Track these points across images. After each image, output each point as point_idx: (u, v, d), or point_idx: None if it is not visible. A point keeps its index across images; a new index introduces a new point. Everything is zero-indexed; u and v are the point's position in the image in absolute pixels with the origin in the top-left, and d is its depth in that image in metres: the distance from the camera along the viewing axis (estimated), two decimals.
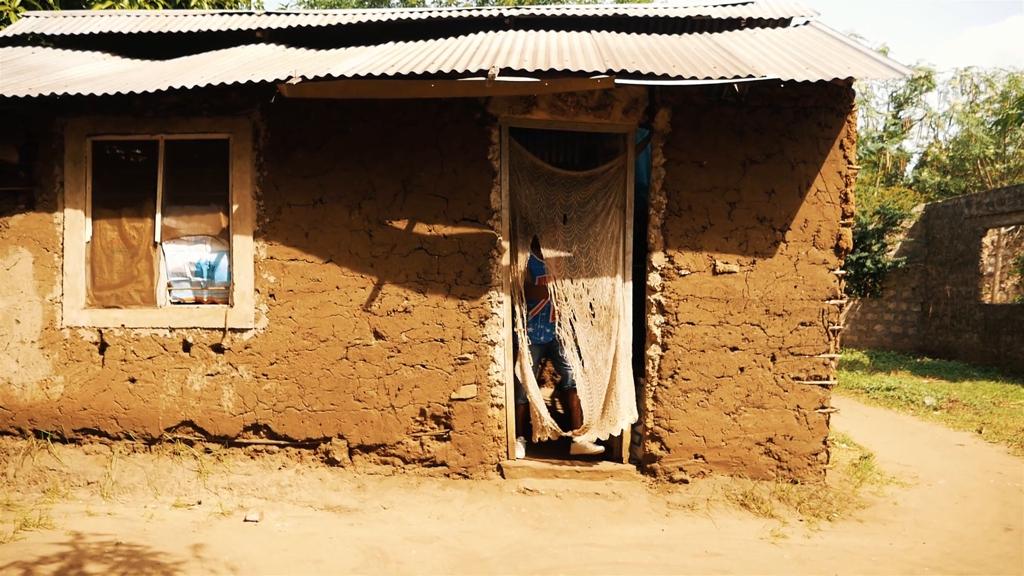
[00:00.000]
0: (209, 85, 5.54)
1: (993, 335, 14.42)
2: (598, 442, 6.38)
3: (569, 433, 6.23)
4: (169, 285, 6.24)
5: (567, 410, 6.66)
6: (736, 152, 6.00)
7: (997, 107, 22.05)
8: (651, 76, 5.32)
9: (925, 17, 56.91)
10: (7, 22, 9.61)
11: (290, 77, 5.35)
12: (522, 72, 5.33)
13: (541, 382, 8.65)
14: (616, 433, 6.17)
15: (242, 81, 5.49)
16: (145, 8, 10.31)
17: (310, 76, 5.34)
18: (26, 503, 5.56)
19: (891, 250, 17.39)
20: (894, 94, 25.59)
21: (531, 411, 6.20)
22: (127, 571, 4.37)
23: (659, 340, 6.02)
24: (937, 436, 8.59)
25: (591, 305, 6.35)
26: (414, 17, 7.37)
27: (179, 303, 6.26)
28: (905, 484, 6.46)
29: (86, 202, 6.18)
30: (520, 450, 6.37)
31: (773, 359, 5.98)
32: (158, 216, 6.18)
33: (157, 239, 6.18)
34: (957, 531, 5.44)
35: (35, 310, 6.17)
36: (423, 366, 6.03)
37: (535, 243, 6.23)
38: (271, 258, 6.10)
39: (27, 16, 8.38)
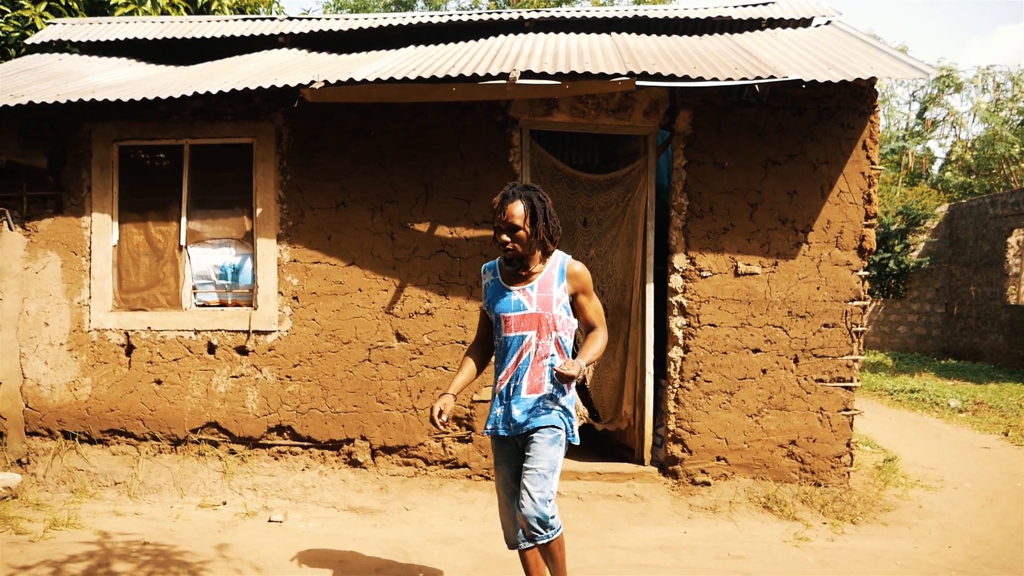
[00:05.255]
0: (233, 90, 5.60)
1: (1019, 336, 14.24)
2: (624, 447, 6.40)
3: (592, 420, 6.28)
4: (194, 288, 6.31)
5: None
6: (758, 153, 5.98)
7: (1022, 105, 21.79)
8: (672, 78, 5.33)
9: (953, 16, 56.30)
10: (33, 27, 9.74)
11: (313, 82, 5.40)
12: (543, 75, 5.35)
13: None
14: (623, 427, 6.22)
15: (266, 86, 5.55)
16: (168, 12, 10.42)
17: (332, 80, 5.39)
18: (55, 503, 5.64)
19: (914, 251, 17.23)
20: (916, 94, 25.40)
21: None
22: (154, 570, 4.43)
23: (681, 342, 6.01)
24: (962, 439, 8.51)
25: (605, 307, 6.37)
26: (434, 21, 7.41)
27: (204, 305, 6.32)
28: (930, 487, 6.41)
29: (113, 206, 6.27)
30: None
31: (796, 361, 5.96)
32: (183, 220, 6.26)
33: (182, 242, 6.25)
34: (983, 535, 5.39)
35: (63, 313, 6.26)
36: (445, 368, 6.06)
37: (501, 264, 3.69)
38: (294, 261, 6.15)
39: (53, 23, 8.50)
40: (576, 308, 3.63)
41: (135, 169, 6.43)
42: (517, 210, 3.45)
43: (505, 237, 3.49)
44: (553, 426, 3.47)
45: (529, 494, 3.39)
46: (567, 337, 3.61)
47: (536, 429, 3.46)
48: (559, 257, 3.61)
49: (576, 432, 3.57)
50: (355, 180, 6.13)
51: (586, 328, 3.66)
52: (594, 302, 3.65)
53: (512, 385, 3.56)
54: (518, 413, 3.51)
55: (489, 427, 3.63)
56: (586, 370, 3.37)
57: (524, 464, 3.48)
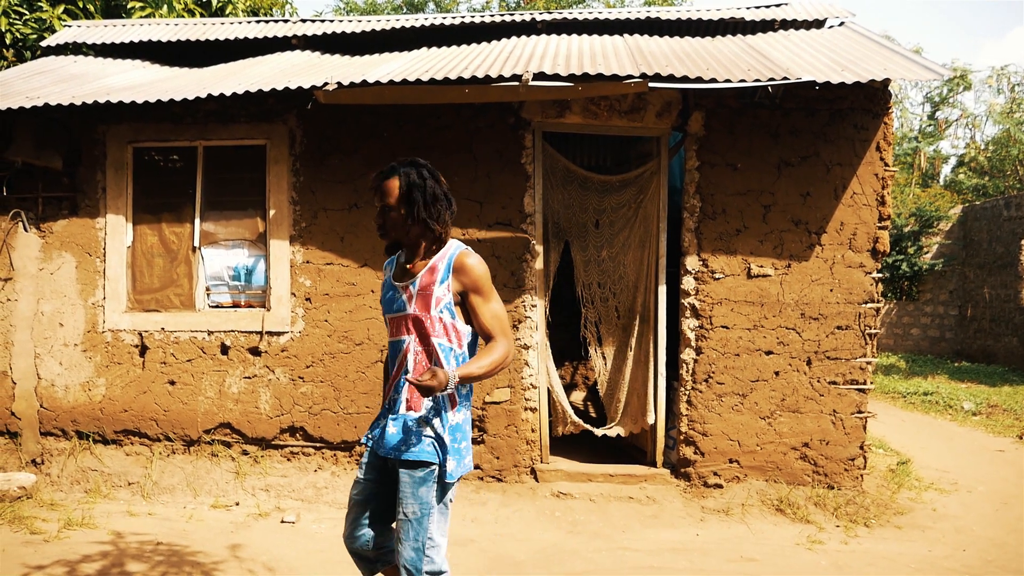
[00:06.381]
0: (247, 92, 5.63)
1: None
2: (636, 448, 6.39)
3: (590, 427, 6.26)
4: (207, 289, 6.34)
5: None
6: (770, 155, 5.97)
7: None
8: (685, 79, 5.32)
9: (967, 17, 55.89)
10: (50, 29, 9.82)
11: (326, 83, 5.42)
12: (555, 76, 5.35)
13: (573, 386, 8.68)
14: (636, 431, 6.21)
15: (279, 88, 5.57)
16: (183, 16, 10.48)
17: (346, 82, 5.40)
18: (69, 503, 5.67)
19: (927, 252, 17.13)
20: (929, 94, 25.28)
21: (554, 406, 6.24)
22: (167, 570, 4.45)
23: (693, 344, 6.00)
24: (976, 441, 8.46)
25: (616, 308, 6.37)
26: (447, 23, 7.42)
27: (217, 306, 6.35)
28: (944, 490, 6.37)
29: (127, 208, 6.30)
30: None
31: (809, 363, 5.94)
32: (197, 221, 6.29)
33: (196, 244, 6.28)
34: (998, 538, 5.36)
35: (78, 313, 6.29)
36: None
37: (399, 257, 3.17)
38: (307, 262, 6.17)
39: (69, 25, 8.56)
40: (468, 311, 2.99)
41: (149, 170, 6.47)
42: (391, 187, 2.96)
43: (378, 219, 3.03)
44: (422, 462, 2.88)
45: (400, 541, 2.90)
46: (453, 346, 2.97)
47: (404, 463, 2.89)
48: (451, 248, 3.01)
49: (454, 469, 2.91)
50: (368, 181, 6.12)
51: (484, 337, 3.00)
52: (492, 305, 2.98)
53: (393, 398, 3.02)
54: (392, 432, 2.94)
55: (367, 435, 3.11)
56: (455, 383, 2.77)
57: (398, 504, 2.92)
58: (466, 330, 3.01)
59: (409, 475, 2.88)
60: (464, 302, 2.97)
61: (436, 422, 2.91)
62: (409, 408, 2.93)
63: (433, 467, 2.88)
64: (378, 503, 3.08)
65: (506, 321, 3.00)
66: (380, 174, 3.01)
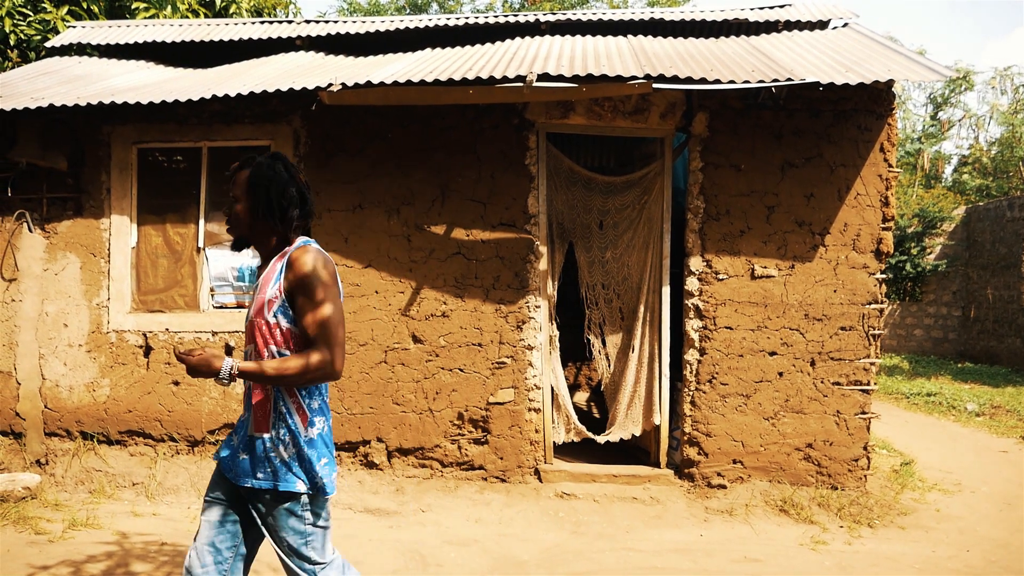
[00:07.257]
0: (251, 93, 5.64)
1: None
2: (640, 449, 6.39)
3: (592, 435, 6.26)
4: (212, 289, 6.35)
5: None
6: (774, 156, 5.97)
7: None
8: (689, 80, 5.32)
9: (971, 18, 55.83)
10: (54, 30, 9.84)
11: (330, 84, 5.43)
12: (559, 77, 5.36)
13: (577, 386, 8.68)
14: (637, 433, 6.21)
15: (284, 89, 5.58)
16: (187, 17, 10.50)
17: (350, 83, 5.41)
18: (73, 503, 5.68)
19: (931, 253, 17.10)
20: (932, 95, 25.26)
21: (558, 411, 6.24)
22: (172, 570, 4.46)
23: (697, 345, 6.00)
24: (980, 442, 8.45)
25: (620, 310, 6.37)
26: (451, 24, 7.43)
27: (221, 307, 6.36)
28: (947, 491, 6.37)
29: (132, 208, 6.31)
30: None
31: (812, 364, 5.94)
32: (201, 222, 6.30)
33: (200, 244, 6.29)
34: (1002, 539, 5.36)
35: (82, 314, 6.31)
36: (461, 370, 6.07)
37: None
38: None
39: (73, 26, 8.58)
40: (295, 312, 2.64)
41: (154, 171, 6.48)
42: (240, 179, 2.73)
43: (225, 211, 2.83)
44: (288, 493, 2.62)
45: None
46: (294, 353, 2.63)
47: (264, 494, 2.62)
48: (294, 246, 2.70)
49: (325, 485, 2.65)
50: (372, 182, 6.15)
51: (304, 342, 2.61)
52: (319, 307, 2.57)
53: (243, 417, 2.74)
54: (243, 457, 2.65)
55: (217, 455, 2.79)
56: (232, 373, 2.55)
57: (273, 544, 2.70)
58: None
59: (275, 508, 2.63)
60: (292, 303, 2.63)
61: (289, 444, 2.62)
62: (258, 429, 2.65)
63: (296, 498, 2.63)
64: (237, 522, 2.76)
65: (335, 328, 2.56)
66: (235, 165, 2.78)
